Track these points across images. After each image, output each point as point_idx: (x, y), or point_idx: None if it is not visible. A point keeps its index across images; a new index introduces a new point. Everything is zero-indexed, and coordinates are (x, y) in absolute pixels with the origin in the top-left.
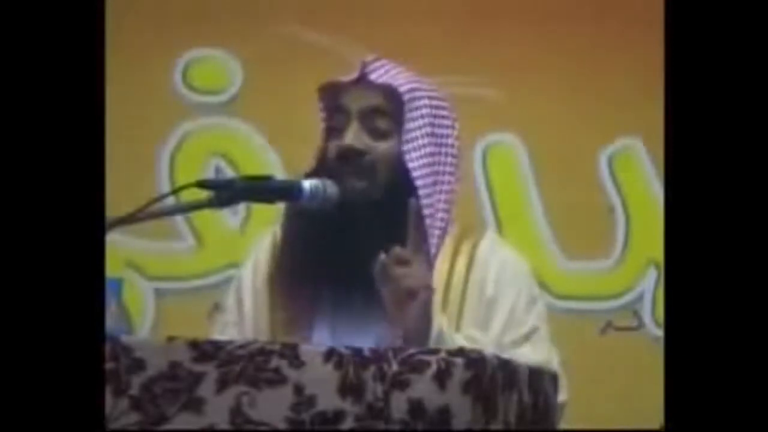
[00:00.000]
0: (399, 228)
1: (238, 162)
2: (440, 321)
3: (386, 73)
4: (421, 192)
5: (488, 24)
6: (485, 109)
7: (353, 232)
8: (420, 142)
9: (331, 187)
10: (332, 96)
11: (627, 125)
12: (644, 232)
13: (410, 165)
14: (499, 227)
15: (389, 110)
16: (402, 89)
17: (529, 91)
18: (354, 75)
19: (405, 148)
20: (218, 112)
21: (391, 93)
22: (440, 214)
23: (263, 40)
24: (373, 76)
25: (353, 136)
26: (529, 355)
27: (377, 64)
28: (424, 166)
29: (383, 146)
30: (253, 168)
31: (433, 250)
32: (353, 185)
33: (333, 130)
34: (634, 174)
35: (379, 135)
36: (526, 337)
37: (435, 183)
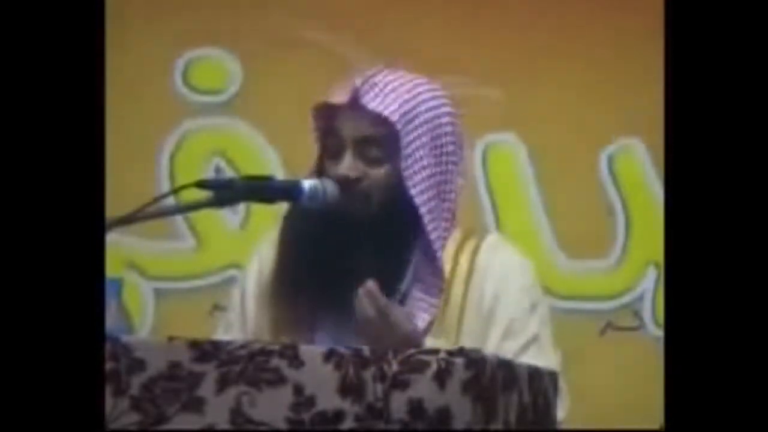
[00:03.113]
0: (402, 235)
1: (238, 162)
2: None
3: (378, 95)
4: (423, 209)
5: (488, 23)
6: (485, 109)
7: (356, 235)
8: (420, 164)
9: (331, 187)
10: (325, 118)
11: (627, 125)
12: (644, 232)
13: (413, 191)
14: (499, 227)
15: (382, 139)
16: (394, 118)
17: (529, 90)
18: (345, 98)
19: (406, 173)
20: (218, 111)
21: (383, 121)
22: (444, 224)
23: (263, 40)
24: (365, 100)
25: (348, 166)
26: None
27: (368, 86)
28: (428, 188)
29: (378, 172)
30: (252, 168)
31: (438, 256)
32: (350, 210)
33: (328, 153)
34: (634, 174)
35: (374, 162)
36: (525, 347)
37: (439, 194)
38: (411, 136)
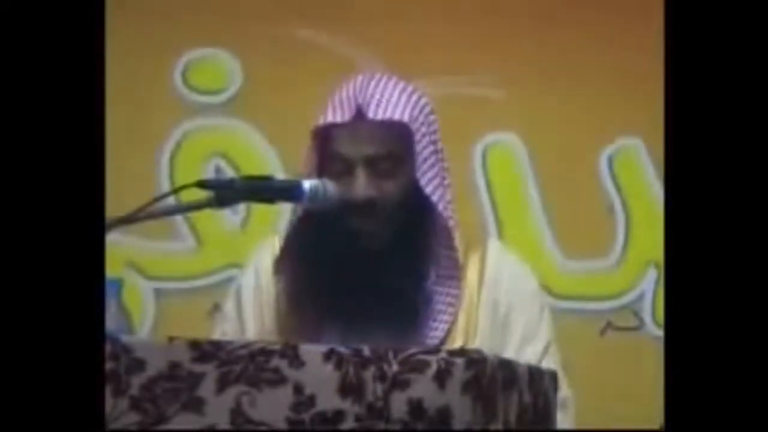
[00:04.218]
0: (421, 237)
1: (238, 162)
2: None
3: (381, 104)
4: (440, 205)
5: (488, 23)
6: (485, 109)
7: (377, 248)
8: (430, 161)
9: (331, 187)
10: (326, 138)
11: (627, 125)
12: (644, 232)
13: (428, 188)
14: (499, 227)
15: (392, 151)
16: (406, 119)
17: (530, 90)
18: (348, 116)
19: (419, 172)
20: (218, 112)
21: (393, 130)
22: (453, 215)
23: (263, 40)
24: (371, 114)
25: (363, 185)
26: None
27: (368, 99)
28: (439, 184)
29: (391, 184)
30: (253, 168)
31: (456, 246)
32: (369, 229)
33: (332, 174)
34: (634, 174)
35: (385, 175)
36: (545, 352)
37: (443, 186)
38: (420, 134)
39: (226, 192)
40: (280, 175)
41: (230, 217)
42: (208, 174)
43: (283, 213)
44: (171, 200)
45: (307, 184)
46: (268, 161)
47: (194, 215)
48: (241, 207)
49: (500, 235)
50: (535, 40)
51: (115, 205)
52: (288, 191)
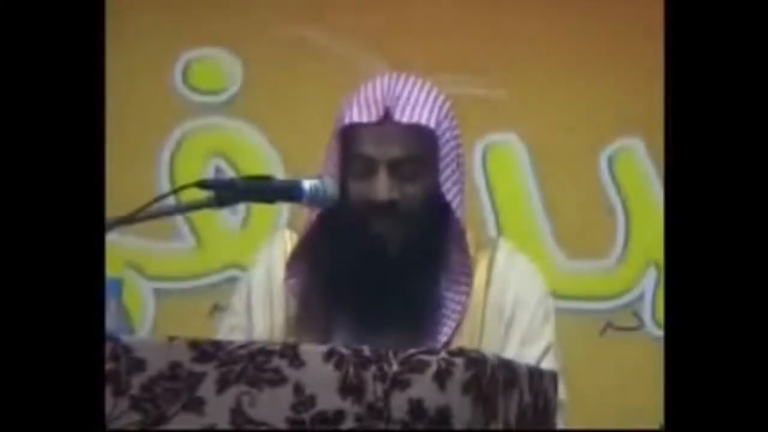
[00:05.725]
0: (438, 242)
1: (238, 162)
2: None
3: (407, 106)
4: (458, 212)
5: (489, 23)
6: (485, 109)
7: (394, 251)
8: (451, 168)
9: (331, 187)
10: (351, 138)
11: (627, 125)
12: (644, 232)
13: (449, 195)
14: (499, 227)
15: (417, 155)
16: (432, 125)
17: (530, 90)
18: (374, 117)
19: (442, 178)
20: (218, 112)
21: (418, 135)
22: (464, 219)
23: (263, 40)
24: (398, 116)
25: (386, 187)
26: None
27: (395, 100)
28: (459, 191)
29: (413, 188)
30: (253, 168)
31: (469, 253)
32: (383, 229)
33: (354, 174)
34: (634, 174)
35: (408, 179)
36: (544, 354)
37: (461, 193)
38: (444, 139)
39: (226, 192)
40: (280, 175)
41: (230, 217)
42: (208, 174)
43: (283, 213)
44: (171, 200)
45: (306, 183)
46: (268, 161)
47: (194, 215)
48: (241, 207)
49: (500, 235)
50: (536, 40)
51: (115, 205)
52: (288, 191)
